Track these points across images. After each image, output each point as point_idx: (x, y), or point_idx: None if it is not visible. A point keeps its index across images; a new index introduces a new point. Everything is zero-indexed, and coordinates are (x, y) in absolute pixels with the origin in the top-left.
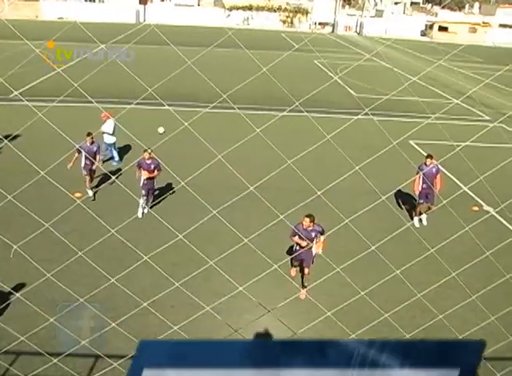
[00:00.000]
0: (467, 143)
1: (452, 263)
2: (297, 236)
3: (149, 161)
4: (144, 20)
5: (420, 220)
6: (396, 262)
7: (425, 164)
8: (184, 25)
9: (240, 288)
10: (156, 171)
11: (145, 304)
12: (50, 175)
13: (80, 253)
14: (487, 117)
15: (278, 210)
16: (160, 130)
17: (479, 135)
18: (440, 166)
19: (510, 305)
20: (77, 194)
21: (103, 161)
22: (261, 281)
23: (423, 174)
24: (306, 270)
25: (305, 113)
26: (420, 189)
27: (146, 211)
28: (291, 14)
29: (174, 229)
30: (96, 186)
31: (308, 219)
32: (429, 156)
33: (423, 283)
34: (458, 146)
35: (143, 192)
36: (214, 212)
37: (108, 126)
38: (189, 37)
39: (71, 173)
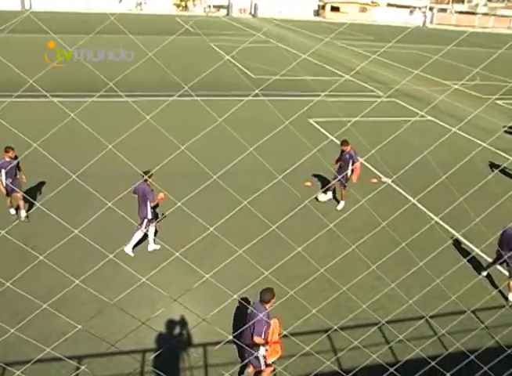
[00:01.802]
0: (358, 118)
1: (354, 235)
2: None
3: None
4: (30, 7)
5: (336, 200)
6: (301, 239)
7: (342, 150)
8: (73, 12)
9: (144, 279)
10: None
11: (45, 305)
12: None
13: None
14: (380, 93)
15: (177, 196)
16: None
17: (370, 109)
18: (356, 156)
19: (407, 270)
20: None
21: None
22: (173, 268)
23: (341, 159)
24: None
25: (195, 98)
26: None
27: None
28: None
29: (68, 225)
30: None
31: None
32: (343, 142)
33: (328, 257)
34: (349, 121)
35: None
36: (110, 204)
37: None
38: (76, 24)
39: None
